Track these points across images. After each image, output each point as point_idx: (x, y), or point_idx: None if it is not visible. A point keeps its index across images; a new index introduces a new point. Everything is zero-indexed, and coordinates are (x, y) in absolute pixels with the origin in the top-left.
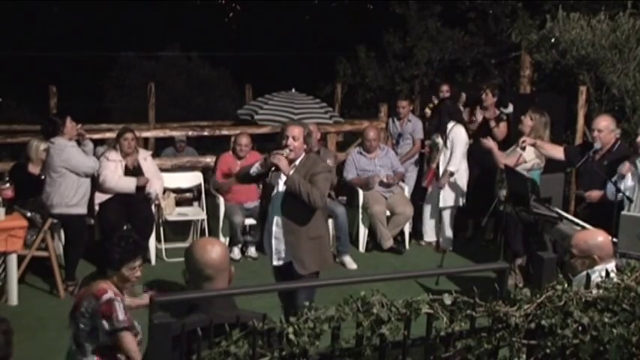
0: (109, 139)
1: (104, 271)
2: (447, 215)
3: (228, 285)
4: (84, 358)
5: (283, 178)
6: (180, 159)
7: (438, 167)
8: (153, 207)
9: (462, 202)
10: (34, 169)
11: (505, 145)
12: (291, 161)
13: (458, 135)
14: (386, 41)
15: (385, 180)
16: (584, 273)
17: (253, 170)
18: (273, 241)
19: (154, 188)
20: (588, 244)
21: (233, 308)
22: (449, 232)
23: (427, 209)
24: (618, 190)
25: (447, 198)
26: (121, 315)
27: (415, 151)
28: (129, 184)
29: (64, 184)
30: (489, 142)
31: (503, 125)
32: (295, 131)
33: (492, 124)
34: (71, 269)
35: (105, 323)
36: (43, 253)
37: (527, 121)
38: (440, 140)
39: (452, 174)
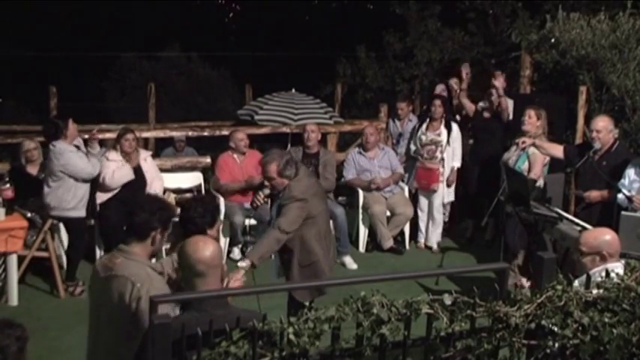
0: (109, 139)
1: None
2: (442, 211)
3: (221, 282)
4: None
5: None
6: (180, 159)
7: (443, 166)
8: None
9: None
10: (31, 169)
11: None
12: (272, 196)
13: (457, 131)
14: (386, 41)
15: (381, 185)
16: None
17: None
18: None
19: (154, 188)
20: (598, 240)
21: (225, 306)
22: (441, 228)
23: (437, 210)
24: (629, 200)
25: (449, 193)
26: None
27: None
28: (125, 172)
29: (63, 188)
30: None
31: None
32: (271, 171)
33: (483, 105)
34: (72, 270)
35: None
36: (43, 253)
37: (534, 120)
38: (441, 138)
39: (458, 169)
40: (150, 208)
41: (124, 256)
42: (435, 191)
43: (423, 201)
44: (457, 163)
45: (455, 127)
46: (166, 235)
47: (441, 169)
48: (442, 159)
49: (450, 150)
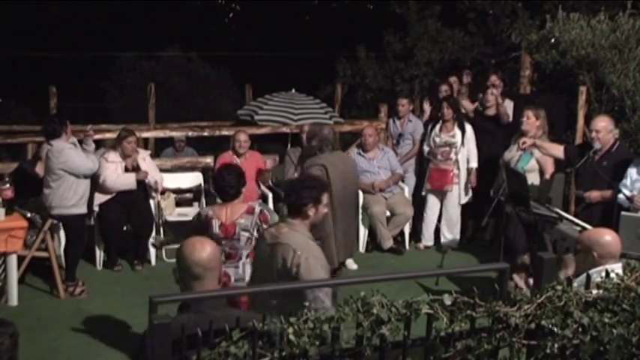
0: (108, 139)
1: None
2: (458, 213)
3: (219, 284)
4: None
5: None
6: (180, 159)
7: (458, 167)
8: (153, 207)
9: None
10: (41, 169)
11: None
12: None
13: (471, 132)
14: (386, 41)
15: (382, 187)
16: (585, 274)
17: None
18: None
19: (154, 177)
20: (590, 240)
21: (224, 308)
22: (457, 230)
23: (453, 210)
24: (630, 200)
25: (463, 195)
26: None
27: (415, 151)
28: (129, 180)
29: (63, 186)
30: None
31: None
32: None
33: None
34: (71, 270)
35: None
36: (43, 253)
37: (533, 121)
38: (456, 139)
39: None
40: (298, 189)
41: (289, 227)
42: (448, 192)
43: (434, 201)
44: (474, 164)
45: (469, 127)
46: (322, 206)
47: (455, 171)
48: (456, 160)
49: (465, 151)
